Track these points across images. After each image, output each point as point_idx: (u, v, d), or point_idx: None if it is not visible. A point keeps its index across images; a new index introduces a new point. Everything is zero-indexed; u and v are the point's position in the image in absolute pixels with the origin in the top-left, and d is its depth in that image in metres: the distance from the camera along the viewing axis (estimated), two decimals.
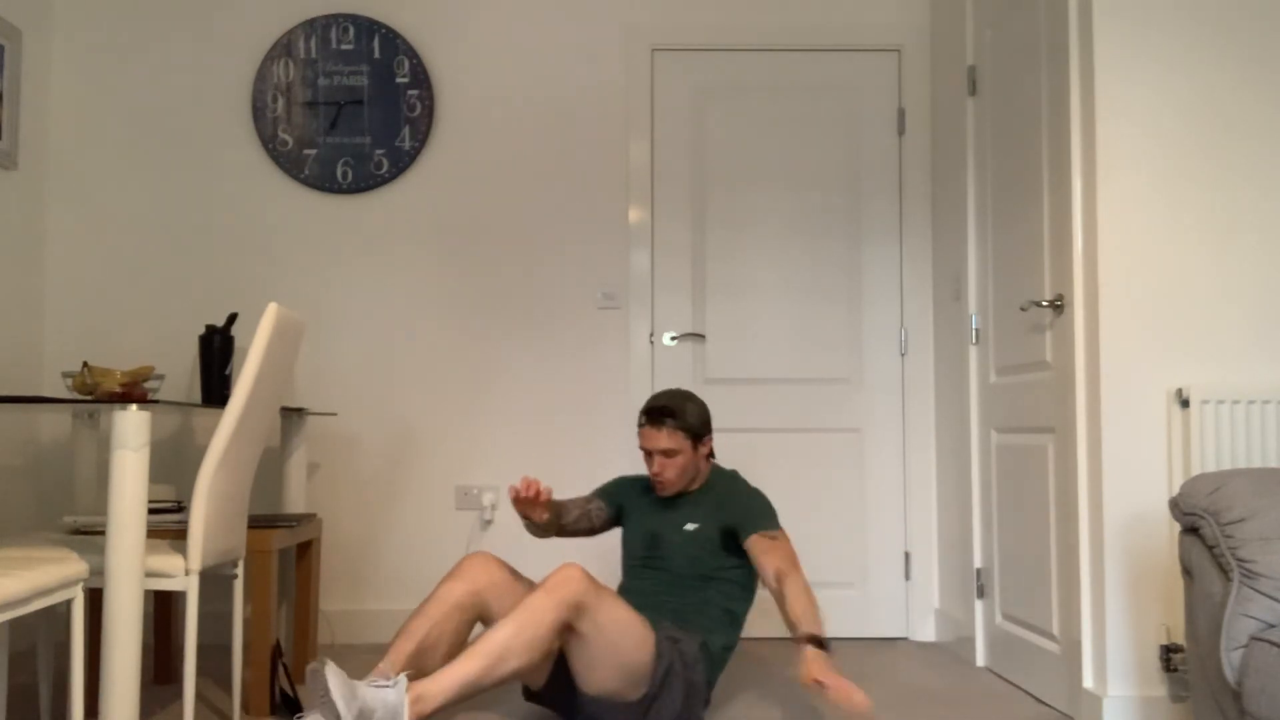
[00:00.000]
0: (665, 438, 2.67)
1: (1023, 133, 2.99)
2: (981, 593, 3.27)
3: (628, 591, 2.71)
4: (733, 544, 2.68)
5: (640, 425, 2.72)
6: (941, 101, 3.68)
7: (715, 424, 3.70)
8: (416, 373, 3.72)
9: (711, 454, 2.80)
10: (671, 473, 2.68)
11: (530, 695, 2.61)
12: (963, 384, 3.40)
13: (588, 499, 2.86)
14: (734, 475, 2.82)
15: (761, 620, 3.67)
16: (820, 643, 2.36)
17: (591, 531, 2.86)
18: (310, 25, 3.73)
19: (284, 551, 3.17)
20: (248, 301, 3.70)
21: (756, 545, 2.58)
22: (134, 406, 2.11)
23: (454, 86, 3.78)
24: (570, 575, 2.28)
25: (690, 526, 2.70)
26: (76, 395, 2.76)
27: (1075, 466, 2.62)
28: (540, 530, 2.75)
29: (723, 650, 2.62)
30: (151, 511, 2.76)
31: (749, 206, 3.78)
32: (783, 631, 3.68)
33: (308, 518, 3.01)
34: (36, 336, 3.63)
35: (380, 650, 3.49)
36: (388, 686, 2.07)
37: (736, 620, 2.68)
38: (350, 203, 3.74)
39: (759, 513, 2.66)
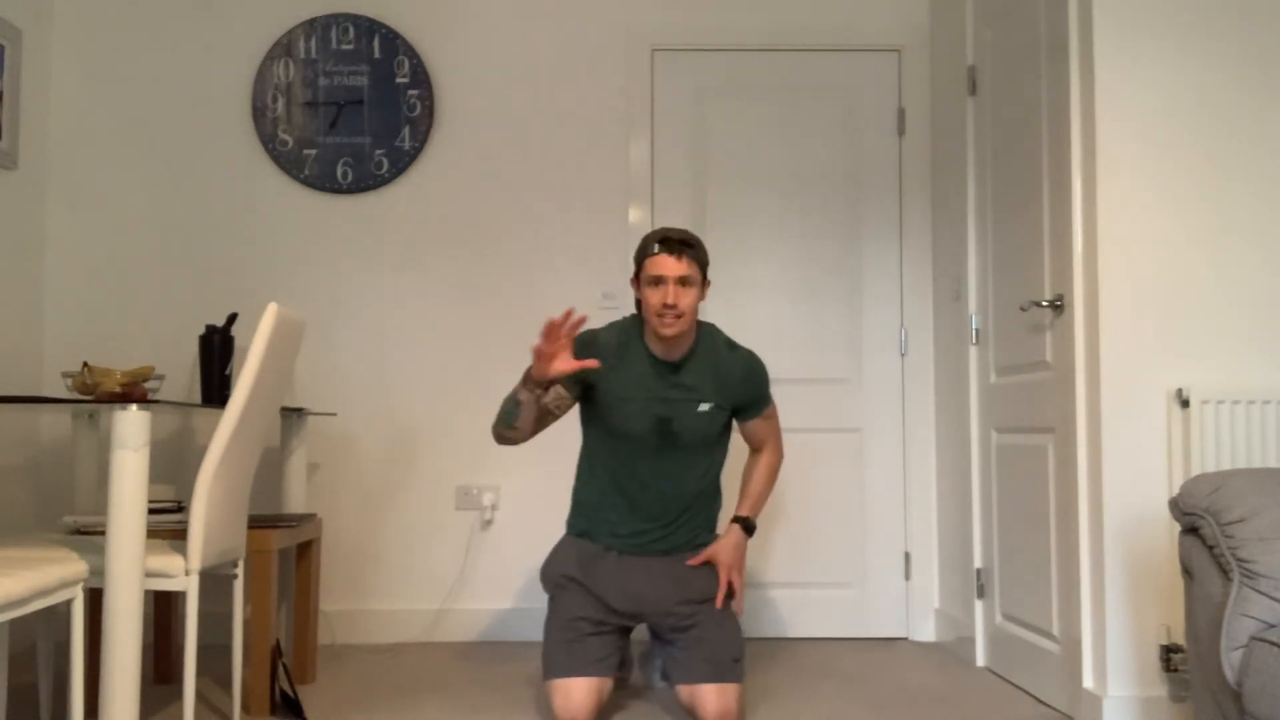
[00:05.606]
0: (685, 265, 2.36)
1: (1022, 133, 2.99)
2: (981, 593, 3.27)
3: (621, 491, 2.45)
4: (728, 422, 2.51)
5: (650, 254, 2.37)
6: (941, 101, 3.68)
7: None
8: (416, 373, 3.71)
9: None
10: (687, 302, 2.36)
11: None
12: (963, 384, 3.40)
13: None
14: (722, 336, 2.56)
15: (759, 621, 3.67)
16: (747, 527, 2.45)
17: (542, 423, 2.49)
18: (310, 25, 3.73)
19: (284, 551, 3.16)
20: (248, 301, 3.70)
21: (759, 428, 2.50)
22: (134, 406, 2.11)
23: (454, 86, 3.77)
24: None
25: (705, 407, 2.42)
26: (76, 395, 2.76)
27: (1075, 466, 2.62)
28: (520, 431, 2.43)
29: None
30: (151, 511, 2.76)
31: (749, 206, 3.78)
32: (780, 631, 3.68)
33: (308, 518, 3.01)
34: (36, 336, 3.63)
35: (380, 651, 3.49)
36: None
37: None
38: (350, 203, 3.74)
39: (767, 391, 2.51)
